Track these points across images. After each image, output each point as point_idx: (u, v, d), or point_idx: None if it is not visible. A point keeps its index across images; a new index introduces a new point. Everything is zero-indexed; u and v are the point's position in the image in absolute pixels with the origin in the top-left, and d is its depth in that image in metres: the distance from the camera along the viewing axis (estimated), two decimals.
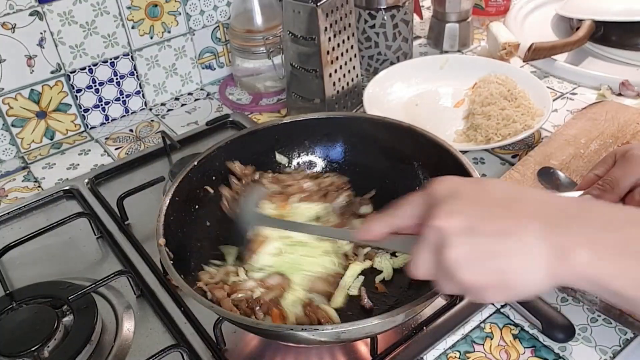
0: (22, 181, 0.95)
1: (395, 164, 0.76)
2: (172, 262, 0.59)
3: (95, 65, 1.02)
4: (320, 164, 0.81)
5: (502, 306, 0.67)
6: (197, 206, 0.71)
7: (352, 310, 0.64)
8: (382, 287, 0.67)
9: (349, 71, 0.99)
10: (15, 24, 0.91)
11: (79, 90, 1.02)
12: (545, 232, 0.42)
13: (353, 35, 0.97)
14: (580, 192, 0.62)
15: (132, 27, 1.03)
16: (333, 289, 0.66)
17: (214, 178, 0.74)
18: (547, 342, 0.63)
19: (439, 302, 0.68)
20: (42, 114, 1.00)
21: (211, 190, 0.73)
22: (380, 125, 0.77)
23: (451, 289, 0.47)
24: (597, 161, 0.66)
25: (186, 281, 0.57)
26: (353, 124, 0.79)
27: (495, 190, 0.47)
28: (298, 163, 0.81)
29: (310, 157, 0.81)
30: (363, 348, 0.63)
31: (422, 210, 0.48)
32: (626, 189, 0.60)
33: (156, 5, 1.03)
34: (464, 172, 0.65)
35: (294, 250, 0.67)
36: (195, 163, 0.72)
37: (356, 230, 0.55)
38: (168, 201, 0.66)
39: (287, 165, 0.80)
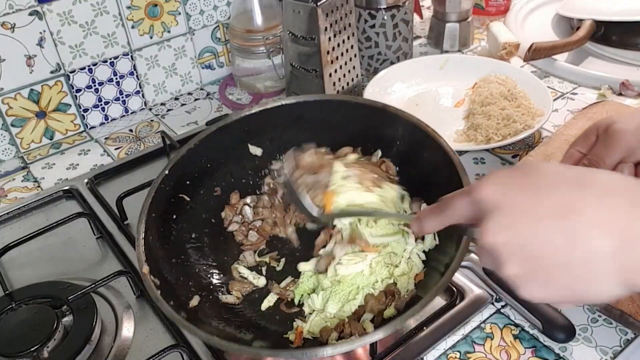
0: (22, 181, 0.95)
1: (373, 145, 0.75)
2: (159, 290, 0.57)
3: (94, 65, 1.02)
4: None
5: (503, 306, 0.67)
6: (175, 216, 0.69)
7: None
8: None
9: (349, 71, 0.99)
10: (15, 24, 0.91)
11: (78, 90, 1.02)
12: (612, 249, 0.40)
13: (353, 35, 0.97)
14: None
15: (132, 27, 1.02)
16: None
17: (187, 183, 0.72)
18: (548, 342, 0.63)
19: (439, 302, 0.67)
20: (41, 114, 1.00)
21: (187, 198, 0.71)
22: (351, 106, 0.76)
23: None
24: (577, 136, 0.64)
25: (177, 306, 0.57)
26: (324, 106, 0.77)
27: (548, 193, 0.42)
28: (273, 151, 0.78)
29: (284, 141, 0.78)
30: (363, 348, 0.63)
31: (470, 216, 0.47)
32: (612, 165, 0.59)
33: (156, 5, 1.03)
34: (441, 151, 0.66)
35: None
36: (167, 172, 0.69)
37: (412, 223, 0.54)
38: (144, 221, 0.63)
39: (261, 155, 0.78)
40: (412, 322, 0.65)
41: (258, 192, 0.78)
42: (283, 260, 0.72)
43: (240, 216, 0.75)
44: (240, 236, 0.74)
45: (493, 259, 0.44)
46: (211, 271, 0.69)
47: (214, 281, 0.68)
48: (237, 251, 0.73)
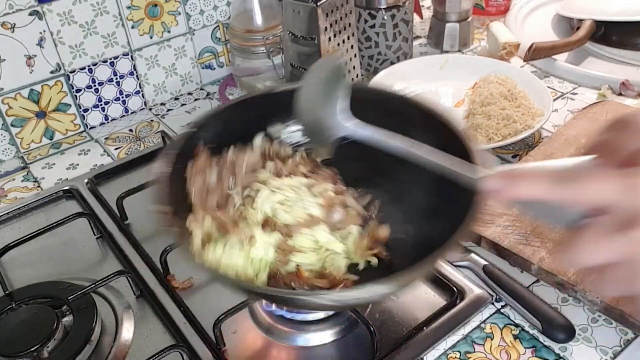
0: (22, 181, 0.95)
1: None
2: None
3: (94, 65, 1.02)
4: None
5: (503, 306, 0.67)
6: None
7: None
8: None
9: (349, 71, 0.99)
10: (15, 24, 0.91)
11: (78, 90, 1.02)
12: None
13: (353, 35, 0.97)
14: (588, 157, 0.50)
15: (132, 27, 1.02)
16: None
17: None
18: (548, 342, 0.63)
19: (439, 302, 0.68)
20: (41, 114, 1.00)
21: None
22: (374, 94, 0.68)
23: (614, 292, 0.39)
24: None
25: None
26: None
27: None
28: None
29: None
30: (363, 348, 0.63)
31: (618, 198, 0.37)
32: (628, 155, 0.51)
33: (156, 5, 1.03)
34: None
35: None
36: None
37: (493, 177, 0.42)
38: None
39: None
40: (411, 322, 0.65)
41: None
42: None
43: None
44: None
45: (633, 272, 0.36)
46: None
47: None
48: None
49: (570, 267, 0.39)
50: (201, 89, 1.16)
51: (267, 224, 0.62)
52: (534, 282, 0.69)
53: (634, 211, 0.36)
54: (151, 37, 1.05)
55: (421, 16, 1.25)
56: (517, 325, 0.65)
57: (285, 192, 0.63)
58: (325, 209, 0.64)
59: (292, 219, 0.62)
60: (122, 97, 1.07)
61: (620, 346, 0.62)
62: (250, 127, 0.69)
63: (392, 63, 1.11)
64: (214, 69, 1.16)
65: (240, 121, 0.68)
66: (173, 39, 1.08)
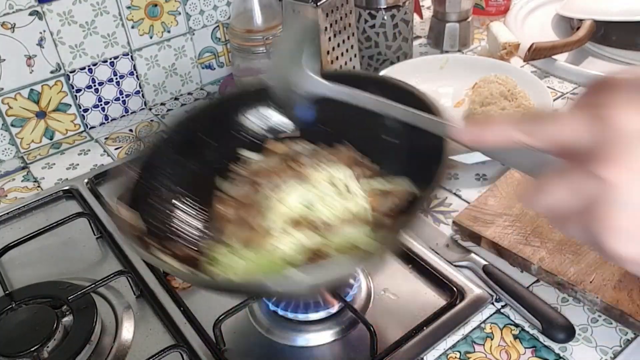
0: (22, 181, 0.95)
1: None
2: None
3: (94, 65, 1.02)
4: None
5: (503, 306, 0.67)
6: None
7: None
8: None
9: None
10: (15, 24, 0.91)
11: (78, 90, 1.02)
12: None
13: (353, 35, 0.97)
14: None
15: (132, 27, 1.02)
16: None
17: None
18: (548, 342, 0.63)
19: (439, 302, 0.68)
20: (41, 114, 1.00)
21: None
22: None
23: (582, 240, 0.36)
24: None
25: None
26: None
27: None
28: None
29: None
30: (363, 348, 0.63)
31: (589, 135, 0.35)
32: None
33: (156, 5, 1.03)
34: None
35: None
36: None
37: (468, 126, 0.42)
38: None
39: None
40: (411, 322, 0.65)
41: None
42: None
43: None
44: None
45: (596, 193, 0.34)
46: None
47: None
48: None
49: (532, 208, 0.38)
50: (201, 89, 1.16)
51: (299, 222, 0.59)
52: (534, 282, 0.69)
53: (601, 145, 0.34)
54: (151, 37, 1.05)
55: (421, 16, 1.25)
56: (517, 325, 0.65)
57: (321, 186, 0.61)
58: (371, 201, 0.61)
59: (330, 215, 0.59)
60: (122, 97, 1.07)
61: (620, 346, 0.62)
62: (220, 127, 0.69)
63: (392, 63, 1.11)
64: (214, 69, 1.16)
65: (210, 123, 0.68)
66: (173, 39, 1.08)
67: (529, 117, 0.39)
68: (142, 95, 1.10)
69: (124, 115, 1.09)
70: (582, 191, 0.35)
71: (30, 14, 0.92)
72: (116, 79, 1.05)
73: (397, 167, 0.64)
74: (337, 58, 0.95)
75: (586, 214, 0.35)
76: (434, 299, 0.68)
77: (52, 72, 0.98)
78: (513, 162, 0.43)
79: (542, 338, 0.63)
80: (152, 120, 1.07)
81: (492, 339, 0.64)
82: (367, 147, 0.68)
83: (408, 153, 0.63)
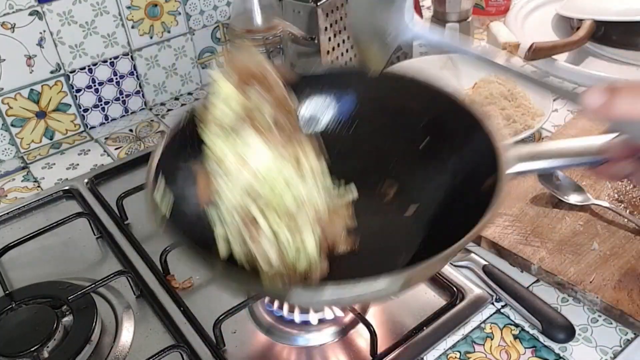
0: (22, 181, 0.95)
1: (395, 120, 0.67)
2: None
3: (94, 65, 1.02)
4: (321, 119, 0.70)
5: (503, 306, 0.67)
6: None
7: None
8: None
9: None
10: (15, 24, 0.91)
11: (78, 90, 1.02)
12: None
13: None
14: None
15: (132, 27, 1.02)
16: None
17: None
18: (548, 342, 0.63)
19: (439, 302, 0.68)
20: (41, 114, 1.00)
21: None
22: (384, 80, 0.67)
23: None
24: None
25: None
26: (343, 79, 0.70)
27: None
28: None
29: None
30: (363, 348, 0.63)
31: None
32: None
33: (156, 5, 1.03)
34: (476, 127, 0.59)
35: None
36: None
37: (594, 90, 0.42)
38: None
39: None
40: (411, 322, 0.65)
41: None
42: None
43: None
44: None
45: None
46: None
47: None
48: None
49: None
50: (201, 89, 1.16)
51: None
52: (533, 282, 0.69)
53: None
54: (151, 37, 1.05)
55: (421, 16, 1.25)
56: (517, 325, 0.65)
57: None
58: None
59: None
60: (122, 97, 1.07)
61: (620, 346, 0.62)
62: None
63: (392, 63, 1.11)
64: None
65: None
66: (173, 39, 1.08)
67: None
68: (142, 95, 1.10)
69: (124, 115, 1.09)
70: None
71: (30, 14, 0.92)
72: (116, 79, 1.05)
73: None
74: (337, 58, 0.95)
75: None
76: (434, 299, 0.68)
77: (52, 72, 0.98)
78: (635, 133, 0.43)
79: (542, 338, 0.63)
80: (152, 121, 1.07)
81: (492, 339, 0.64)
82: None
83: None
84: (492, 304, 0.68)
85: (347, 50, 0.96)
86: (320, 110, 0.69)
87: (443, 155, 0.64)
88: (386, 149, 0.68)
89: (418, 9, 1.22)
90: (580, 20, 1.14)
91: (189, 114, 0.59)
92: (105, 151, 1.01)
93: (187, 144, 0.58)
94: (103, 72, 1.03)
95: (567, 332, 0.62)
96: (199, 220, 0.56)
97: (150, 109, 1.11)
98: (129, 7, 1.00)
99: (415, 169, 0.66)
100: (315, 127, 0.69)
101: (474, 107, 0.59)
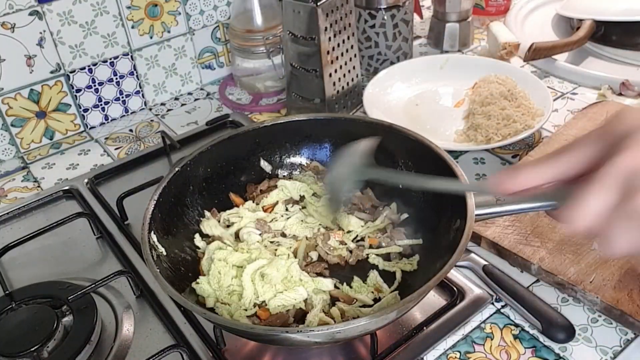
0: (22, 181, 0.95)
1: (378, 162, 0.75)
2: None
3: (94, 65, 1.02)
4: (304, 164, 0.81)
5: (503, 306, 0.67)
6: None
7: None
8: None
9: (349, 71, 0.99)
10: (15, 24, 0.91)
11: (78, 90, 1.02)
12: None
13: (353, 35, 0.97)
14: None
15: (132, 27, 1.02)
16: None
17: (191, 188, 0.73)
18: (548, 342, 0.63)
19: (439, 302, 0.68)
20: (41, 114, 1.00)
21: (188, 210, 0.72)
22: (361, 125, 0.77)
23: (631, 245, 0.40)
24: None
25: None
26: (334, 124, 0.78)
27: None
28: (283, 165, 0.80)
29: (294, 159, 0.81)
30: (363, 348, 0.63)
31: (598, 151, 0.40)
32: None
33: (156, 5, 1.03)
34: (446, 168, 0.65)
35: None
36: (178, 169, 0.70)
37: (496, 180, 0.46)
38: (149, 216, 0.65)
39: (271, 172, 0.80)
40: (411, 322, 0.65)
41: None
42: None
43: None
44: None
45: (625, 181, 0.38)
46: None
47: None
48: None
49: (580, 225, 0.42)
50: (201, 89, 1.16)
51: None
52: (533, 282, 0.69)
53: (613, 146, 0.39)
54: (151, 37, 1.05)
55: (421, 16, 1.25)
56: (517, 325, 0.65)
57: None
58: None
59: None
60: (122, 97, 1.07)
61: (620, 346, 0.62)
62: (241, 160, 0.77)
63: (392, 63, 1.11)
64: (214, 69, 1.16)
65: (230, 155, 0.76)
66: (173, 39, 1.08)
67: (545, 162, 0.44)
68: (142, 95, 1.10)
69: (124, 115, 1.09)
70: (613, 188, 0.38)
71: (30, 14, 0.92)
72: (116, 79, 1.05)
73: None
74: (337, 58, 0.95)
75: (629, 207, 0.38)
76: (434, 299, 0.68)
77: (52, 72, 0.98)
78: (544, 201, 0.48)
79: (542, 338, 0.63)
80: (152, 120, 1.07)
81: (492, 339, 0.64)
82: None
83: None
84: (492, 304, 0.68)
85: (347, 50, 0.96)
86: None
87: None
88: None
89: (418, 9, 1.22)
90: (580, 20, 1.14)
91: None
92: (105, 151, 1.01)
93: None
94: (103, 72, 1.03)
95: (567, 332, 0.62)
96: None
97: (150, 109, 1.11)
98: (129, 7, 1.00)
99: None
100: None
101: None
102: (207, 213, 0.74)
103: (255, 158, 0.79)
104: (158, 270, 0.57)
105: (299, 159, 0.81)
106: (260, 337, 0.58)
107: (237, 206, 0.76)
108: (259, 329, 0.55)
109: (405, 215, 0.74)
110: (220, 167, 0.76)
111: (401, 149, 0.74)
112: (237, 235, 0.73)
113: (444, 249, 0.61)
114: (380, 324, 0.57)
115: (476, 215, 0.58)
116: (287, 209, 0.76)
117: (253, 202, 0.77)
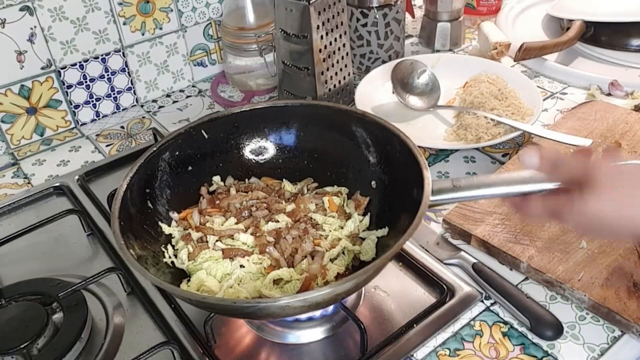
0: (12, 177, 0.95)
1: (348, 149, 0.75)
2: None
3: (86, 61, 1.01)
4: (272, 150, 0.79)
5: (492, 304, 0.68)
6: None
7: None
8: None
9: (340, 69, 0.99)
10: (5, 19, 0.91)
11: (69, 87, 1.02)
12: None
13: (345, 33, 0.97)
14: None
15: (124, 24, 1.02)
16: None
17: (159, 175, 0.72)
18: (536, 339, 0.64)
19: (429, 299, 0.68)
20: (32, 110, 1.00)
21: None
22: (334, 112, 0.76)
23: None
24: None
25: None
26: (307, 111, 0.78)
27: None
28: (252, 150, 0.79)
29: (265, 144, 0.79)
30: (353, 345, 0.64)
31: (575, 180, 0.55)
32: None
33: (148, 2, 1.03)
34: (412, 157, 0.65)
35: None
36: (155, 149, 0.70)
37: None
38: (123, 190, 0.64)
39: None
40: (401, 320, 0.65)
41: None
42: None
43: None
44: None
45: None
46: None
47: None
48: None
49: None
50: (193, 86, 1.16)
51: None
52: (522, 280, 0.70)
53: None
54: (143, 34, 1.05)
55: (413, 15, 1.25)
56: (506, 323, 0.66)
57: None
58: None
59: None
60: (114, 94, 1.07)
61: (608, 344, 0.63)
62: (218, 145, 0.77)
63: (383, 62, 1.11)
64: (206, 66, 1.16)
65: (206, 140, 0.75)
66: (165, 36, 1.08)
67: (548, 156, 0.57)
68: (134, 92, 1.09)
69: (115, 112, 1.09)
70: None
71: (21, 10, 0.91)
72: (107, 75, 1.05)
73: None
74: (329, 56, 0.95)
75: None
76: (424, 297, 0.69)
77: (42, 68, 0.97)
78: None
79: (530, 335, 0.64)
80: (143, 117, 1.07)
81: (481, 336, 0.64)
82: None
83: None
84: (482, 301, 0.68)
85: (338, 49, 0.96)
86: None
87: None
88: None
89: (410, 8, 1.22)
90: (570, 21, 1.15)
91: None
92: (96, 148, 1.00)
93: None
94: (94, 69, 1.03)
95: (555, 329, 0.63)
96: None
97: (142, 106, 1.11)
98: (120, 4, 1.00)
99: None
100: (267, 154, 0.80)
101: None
102: (175, 215, 0.72)
103: (231, 142, 0.78)
104: (123, 243, 0.58)
105: (266, 143, 0.79)
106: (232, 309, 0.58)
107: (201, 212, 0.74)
108: (227, 301, 0.57)
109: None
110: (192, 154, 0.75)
111: (371, 136, 0.73)
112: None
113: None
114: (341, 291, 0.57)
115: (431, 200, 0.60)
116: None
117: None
